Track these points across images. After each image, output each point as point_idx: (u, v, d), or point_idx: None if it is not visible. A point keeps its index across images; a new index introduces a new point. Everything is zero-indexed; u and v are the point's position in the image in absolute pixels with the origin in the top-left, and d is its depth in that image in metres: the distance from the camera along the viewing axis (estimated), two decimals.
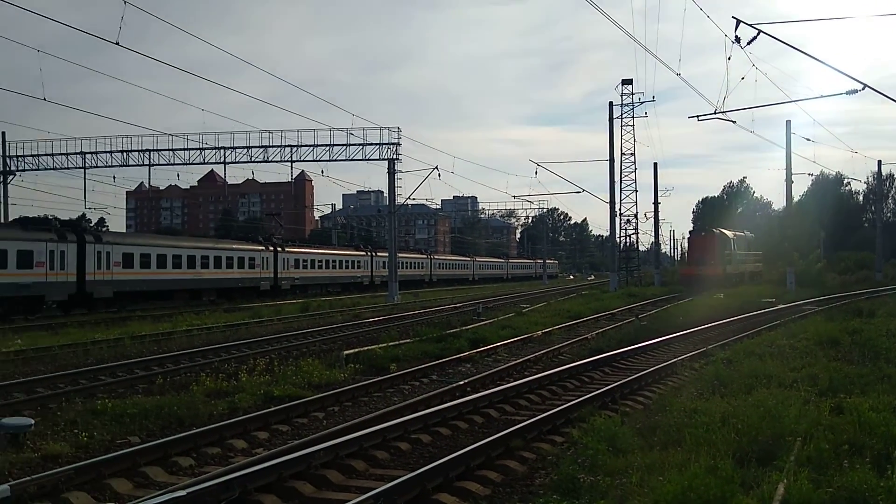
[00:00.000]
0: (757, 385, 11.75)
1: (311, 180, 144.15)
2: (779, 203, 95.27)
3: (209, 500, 7.22)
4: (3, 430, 9.93)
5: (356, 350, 18.69)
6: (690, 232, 64.57)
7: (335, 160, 48.00)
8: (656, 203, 65.60)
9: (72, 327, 27.49)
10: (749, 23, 19.07)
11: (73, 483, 8.10)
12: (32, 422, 10.43)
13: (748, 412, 9.32)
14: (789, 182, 49.45)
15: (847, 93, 23.40)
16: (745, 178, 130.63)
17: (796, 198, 71.25)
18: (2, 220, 45.81)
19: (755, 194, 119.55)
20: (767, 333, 21.03)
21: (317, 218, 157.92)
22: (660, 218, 67.30)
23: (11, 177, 50.57)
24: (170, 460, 9.30)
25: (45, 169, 50.49)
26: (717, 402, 10.50)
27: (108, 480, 8.39)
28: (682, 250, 68.04)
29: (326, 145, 47.43)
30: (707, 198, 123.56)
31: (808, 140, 53.91)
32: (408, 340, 21.21)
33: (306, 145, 47.58)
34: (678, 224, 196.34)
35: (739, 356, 15.55)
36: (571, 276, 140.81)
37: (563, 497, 7.06)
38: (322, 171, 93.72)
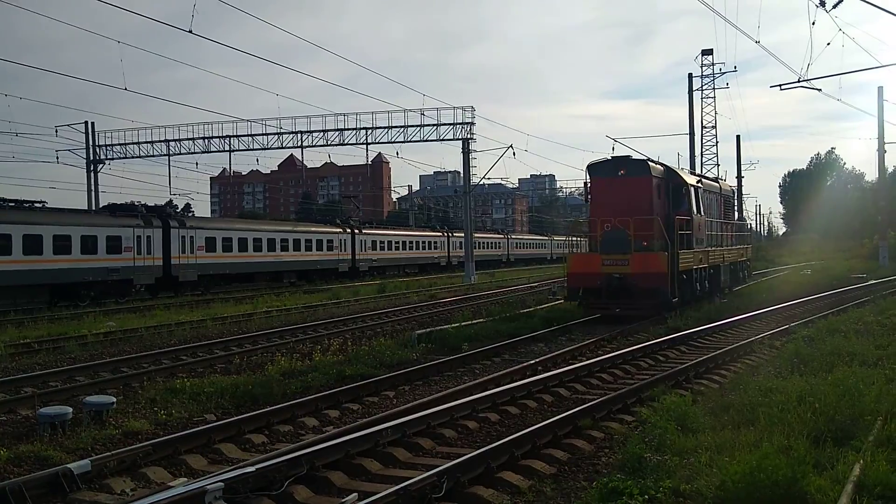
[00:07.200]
0: (839, 363, 11.31)
1: (387, 162, 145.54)
2: (871, 174, 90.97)
3: (277, 477, 7.37)
4: (87, 407, 10.40)
5: (428, 330, 18.78)
6: (590, 168, 22.91)
7: (409, 141, 48.25)
8: (739, 177, 63.58)
9: (159, 309, 28.54)
10: None
11: (150, 458, 8.39)
12: (115, 400, 10.89)
13: (827, 391, 8.95)
14: (882, 152, 47.55)
15: None
16: (833, 148, 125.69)
17: (890, 168, 68.10)
18: (92, 208, 47.61)
19: (845, 166, 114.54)
20: (855, 310, 20.21)
21: (394, 199, 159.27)
22: (744, 192, 65.15)
23: (101, 165, 52.58)
24: (243, 437, 9.54)
25: (132, 157, 52.32)
26: (795, 381, 10.12)
27: (183, 456, 8.66)
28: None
29: (401, 127, 47.71)
30: (794, 170, 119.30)
31: None
32: (481, 320, 21.22)
33: (381, 127, 47.95)
34: (764, 199, 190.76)
35: (822, 333, 14.98)
36: None
37: (628, 476, 6.93)
38: (397, 153, 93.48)
